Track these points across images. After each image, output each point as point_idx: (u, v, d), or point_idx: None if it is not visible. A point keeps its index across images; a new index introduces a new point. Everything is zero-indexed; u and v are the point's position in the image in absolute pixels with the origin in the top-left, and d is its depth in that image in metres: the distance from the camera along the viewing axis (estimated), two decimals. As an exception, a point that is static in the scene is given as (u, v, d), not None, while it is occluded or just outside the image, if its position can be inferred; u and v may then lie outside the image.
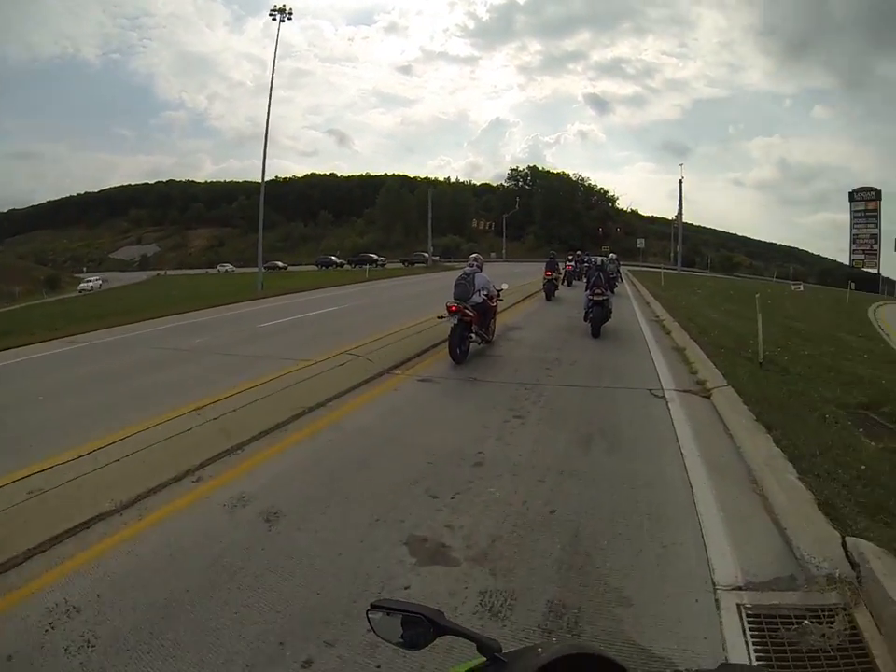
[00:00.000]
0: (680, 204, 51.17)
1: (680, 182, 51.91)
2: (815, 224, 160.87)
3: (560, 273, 22.53)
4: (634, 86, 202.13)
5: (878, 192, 71.62)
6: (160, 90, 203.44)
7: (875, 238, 69.97)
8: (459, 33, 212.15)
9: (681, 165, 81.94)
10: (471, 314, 9.02)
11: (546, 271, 20.69)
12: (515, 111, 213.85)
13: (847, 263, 75.10)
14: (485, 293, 9.69)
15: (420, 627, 1.13)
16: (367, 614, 1.18)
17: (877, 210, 70.72)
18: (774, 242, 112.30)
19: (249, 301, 23.05)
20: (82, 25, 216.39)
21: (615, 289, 21.92)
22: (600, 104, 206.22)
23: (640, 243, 58.49)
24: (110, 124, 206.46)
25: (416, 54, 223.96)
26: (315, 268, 65.97)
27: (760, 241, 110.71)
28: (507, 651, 1.08)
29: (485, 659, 1.07)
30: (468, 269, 9.66)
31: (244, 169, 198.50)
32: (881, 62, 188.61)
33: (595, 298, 12.21)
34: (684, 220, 57.24)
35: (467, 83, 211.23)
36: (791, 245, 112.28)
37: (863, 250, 70.51)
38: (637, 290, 25.16)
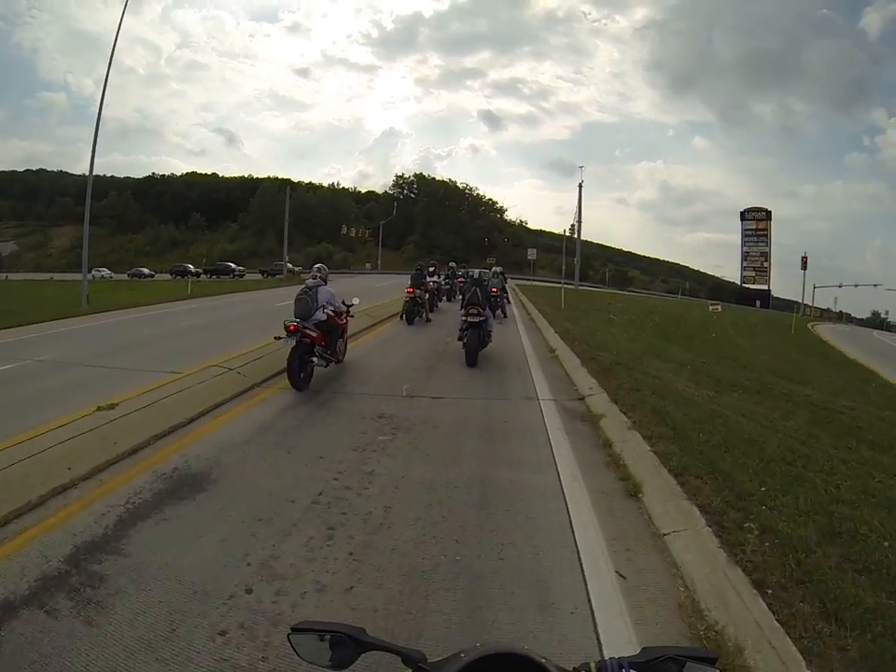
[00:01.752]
0: (579, 211, 45.75)
1: (580, 186, 46.47)
2: (692, 242, 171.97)
3: (429, 290, 16.75)
4: (528, 106, 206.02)
5: (769, 213, 73.14)
6: (44, 68, 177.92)
7: (766, 256, 71.46)
8: (362, 40, 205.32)
9: (581, 167, 78.76)
10: (313, 333, 7.90)
11: (409, 287, 15.32)
12: (409, 123, 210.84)
13: (722, 277, 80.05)
14: (331, 309, 8.58)
15: (343, 646, 1.12)
16: (288, 637, 1.13)
17: (767, 230, 71.98)
18: (657, 258, 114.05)
19: (61, 319, 17.53)
20: None
21: (500, 310, 15.91)
22: (494, 120, 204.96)
23: (531, 253, 52.60)
24: None
25: (316, 58, 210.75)
26: (170, 277, 57.08)
27: (644, 256, 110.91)
28: (431, 661, 1.09)
29: (410, 670, 1.10)
30: (310, 282, 8.53)
31: (128, 164, 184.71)
32: (754, 102, 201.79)
33: (469, 319, 10.33)
34: (570, 236, 51.89)
35: (364, 91, 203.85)
36: (672, 261, 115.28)
37: (754, 267, 71.79)
38: (529, 315, 19.30)
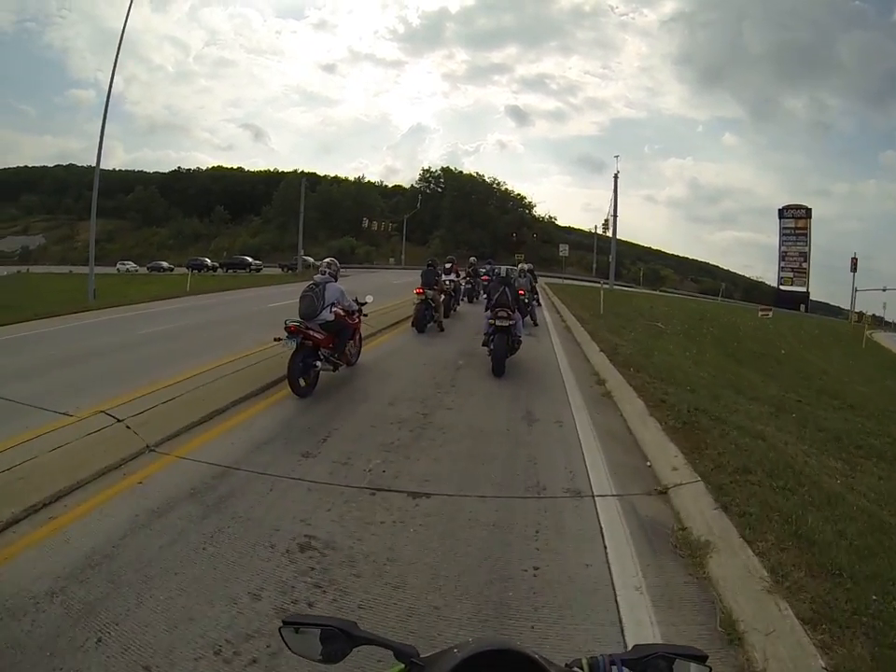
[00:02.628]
0: (615, 204, 42.07)
1: (616, 177, 42.48)
2: (721, 241, 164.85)
3: (444, 290, 13.93)
4: (556, 101, 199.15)
5: (808, 210, 67.92)
6: (74, 67, 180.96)
7: (805, 256, 66.29)
8: (388, 36, 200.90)
9: (617, 157, 74.03)
10: (318, 335, 7.25)
11: (419, 287, 12.86)
12: (437, 118, 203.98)
13: (755, 278, 75.22)
14: (340, 308, 7.78)
15: (335, 640, 1.11)
16: (279, 631, 1.13)
17: (807, 228, 66.83)
18: (686, 256, 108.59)
19: (62, 315, 16.45)
20: None
21: (529, 316, 13.14)
22: (521, 116, 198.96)
23: (563, 249, 49.44)
24: (17, 99, 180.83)
25: (343, 54, 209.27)
26: (186, 271, 55.03)
27: (672, 254, 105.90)
28: (424, 656, 1.08)
29: (403, 665, 1.09)
30: (317, 277, 7.79)
31: (157, 160, 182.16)
32: (786, 96, 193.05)
33: (497, 322, 8.96)
34: (601, 232, 48.50)
35: (391, 87, 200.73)
36: (701, 260, 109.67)
37: (792, 268, 66.70)
38: (563, 322, 16.21)
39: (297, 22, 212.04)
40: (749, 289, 74.55)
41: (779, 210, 69.14)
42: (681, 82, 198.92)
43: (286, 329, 7.03)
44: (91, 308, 18.77)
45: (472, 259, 21.92)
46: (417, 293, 12.50)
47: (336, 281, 7.91)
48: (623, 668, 1.09)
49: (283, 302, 17.06)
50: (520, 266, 14.73)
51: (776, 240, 68.69)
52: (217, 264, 58.16)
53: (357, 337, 8.80)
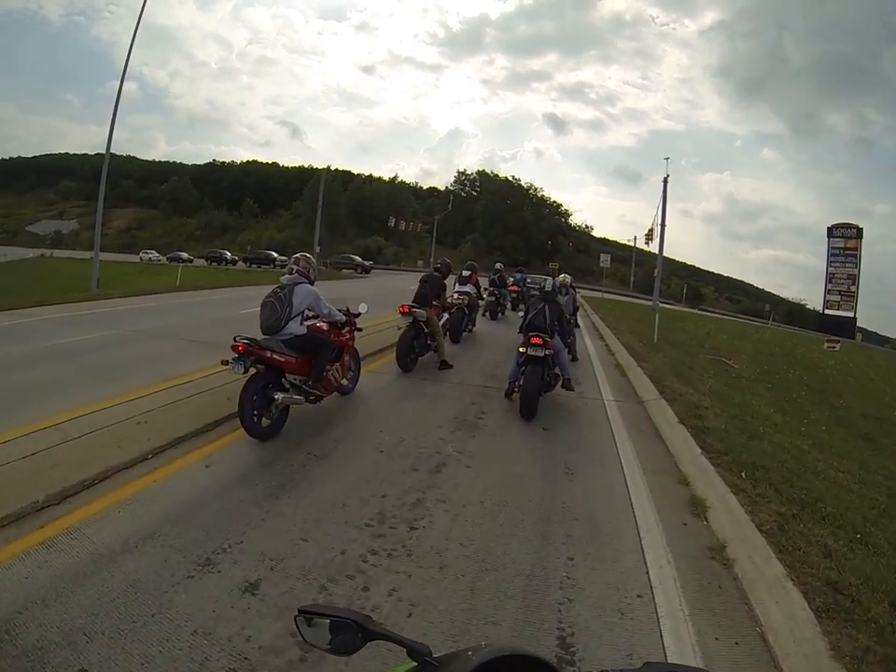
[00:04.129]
0: (663, 212, 37.87)
1: (665, 181, 38.07)
2: (756, 259, 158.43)
3: (446, 307, 10.44)
4: (594, 111, 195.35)
5: (860, 230, 61.89)
6: (121, 60, 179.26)
7: (853, 279, 60.44)
8: (429, 40, 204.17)
9: (667, 159, 69.67)
10: (280, 356, 5.56)
11: (405, 305, 9.01)
12: (475, 123, 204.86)
13: (791, 299, 69.93)
14: (318, 318, 6.35)
15: (349, 632, 1.10)
16: (294, 619, 1.13)
17: (857, 249, 60.93)
18: (720, 273, 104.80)
19: (56, 304, 15.51)
20: None
21: (569, 348, 9.38)
22: (559, 124, 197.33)
23: (604, 260, 45.18)
24: (65, 90, 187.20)
25: (383, 56, 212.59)
26: (206, 263, 53.38)
27: (707, 271, 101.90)
28: (437, 656, 1.06)
29: (416, 664, 1.07)
30: (285, 278, 5.90)
31: (198, 152, 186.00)
32: (827, 111, 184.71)
33: (529, 351, 6.80)
34: (644, 244, 44.51)
35: (430, 90, 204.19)
36: (735, 278, 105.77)
37: (839, 291, 60.77)
38: (611, 354, 12.41)
39: (338, 24, 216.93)
40: (790, 312, 69.08)
41: (828, 229, 63.46)
42: (721, 95, 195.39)
43: (233, 348, 5.30)
44: (85, 299, 17.32)
45: (498, 265, 18.24)
46: (402, 312, 8.82)
47: (312, 283, 6.01)
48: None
49: (252, 309, 14.72)
50: (561, 278, 11.30)
51: (812, 260, 63.99)
52: (237, 258, 55.57)
53: (347, 358, 6.75)
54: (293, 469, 4.79)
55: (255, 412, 5.33)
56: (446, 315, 10.12)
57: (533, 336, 6.83)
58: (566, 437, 6.10)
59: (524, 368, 6.85)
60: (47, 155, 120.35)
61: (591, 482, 4.94)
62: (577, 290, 14.06)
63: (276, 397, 5.44)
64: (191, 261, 56.64)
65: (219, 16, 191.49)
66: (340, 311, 6.66)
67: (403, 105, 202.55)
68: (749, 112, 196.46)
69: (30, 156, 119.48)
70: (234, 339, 5.33)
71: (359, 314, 6.95)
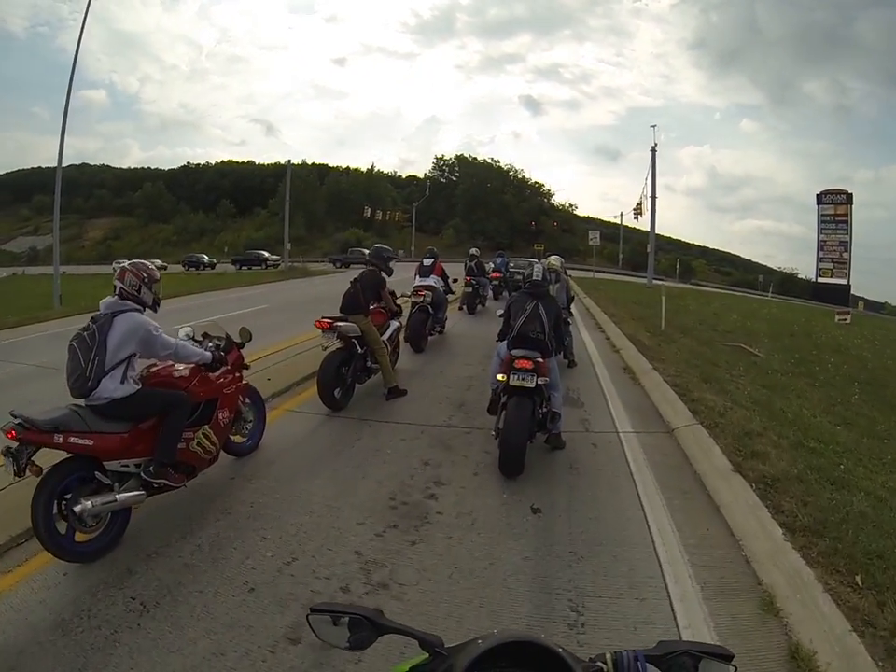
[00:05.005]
0: (653, 182, 35.12)
1: (653, 150, 34.69)
2: (741, 230, 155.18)
3: (394, 311, 7.50)
4: (570, 90, 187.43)
5: (849, 196, 58.95)
6: (88, 69, 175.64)
7: (845, 246, 57.70)
8: (400, 28, 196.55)
9: (654, 127, 65.78)
10: (82, 440, 3.36)
11: (324, 318, 6.35)
12: (451, 109, 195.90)
13: (781, 269, 66.98)
14: (157, 365, 4.14)
15: (361, 628, 1.10)
16: (307, 618, 1.11)
17: (847, 215, 58.22)
18: (707, 246, 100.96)
19: None
20: None
21: (566, 350, 7.23)
22: (535, 105, 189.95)
23: (593, 238, 41.79)
24: (33, 103, 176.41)
25: (355, 47, 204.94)
26: (183, 269, 50.02)
27: (693, 244, 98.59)
28: (448, 646, 1.06)
29: (427, 655, 1.07)
30: (105, 302, 3.76)
31: (173, 157, 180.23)
32: (805, 80, 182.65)
33: (515, 380, 4.59)
34: (633, 218, 42.01)
35: (404, 79, 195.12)
36: (722, 250, 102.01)
37: (832, 259, 57.93)
38: (614, 350, 9.97)
39: (307, 17, 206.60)
40: (783, 282, 66.41)
41: (818, 196, 60.35)
42: (697, 68, 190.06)
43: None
44: (44, 319, 15.82)
45: (473, 250, 15.56)
46: (320, 328, 6.18)
47: (147, 307, 3.84)
48: (648, 665, 1.05)
49: (193, 322, 12.41)
50: (550, 261, 8.84)
51: (797, 228, 61.33)
52: (215, 261, 52.31)
53: (224, 414, 4.25)
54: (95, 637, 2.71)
55: (46, 526, 3.22)
56: (395, 324, 7.46)
57: (520, 358, 4.63)
58: (567, 525, 3.76)
59: (506, 401, 4.64)
60: (18, 170, 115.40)
61: (618, 636, 2.65)
62: (568, 274, 11.59)
63: (78, 508, 3.29)
64: (165, 268, 53.80)
65: (186, 17, 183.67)
66: (213, 341, 4.41)
67: (378, 95, 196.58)
68: (726, 84, 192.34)
69: (1, 173, 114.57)
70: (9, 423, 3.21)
71: (242, 343, 4.64)
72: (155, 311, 3.89)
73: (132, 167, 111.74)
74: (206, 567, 3.31)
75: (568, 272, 9.77)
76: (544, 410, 4.73)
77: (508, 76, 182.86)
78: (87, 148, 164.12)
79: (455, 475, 4.48)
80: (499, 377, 4.65)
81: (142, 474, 3.61)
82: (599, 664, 1.06)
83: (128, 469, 3.60)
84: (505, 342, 4.99)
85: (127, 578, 3.19)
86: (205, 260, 52.04)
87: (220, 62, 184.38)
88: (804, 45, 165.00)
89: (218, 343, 4.42)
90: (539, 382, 4.50)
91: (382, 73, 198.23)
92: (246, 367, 4.68)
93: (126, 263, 3.90)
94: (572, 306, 9.86)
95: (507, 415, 4.49)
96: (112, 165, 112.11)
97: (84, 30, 23.70)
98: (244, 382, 4.70)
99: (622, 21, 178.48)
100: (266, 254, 50.84)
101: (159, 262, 55.82)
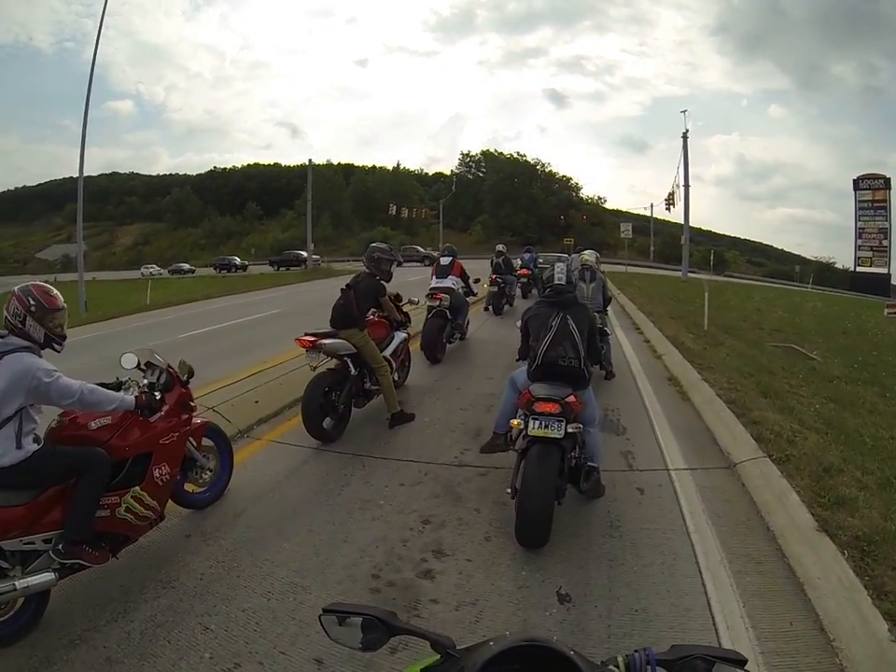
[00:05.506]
0: (685, 170, 33.01)
1: (685, 137, 32.32)
2: (772, 219, 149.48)
3: (396, 322, 6.33)
4: (594, 82, 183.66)
5: (887, 180, 55.43)
6: (115, 80, 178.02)
7: (885, 233, 54.38)
8: (420, 27, 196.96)
9: (684, 112, 56.99)
10: None
11: (307, 335, 5.36)
12: (475, 105, 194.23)
13: (816, 258, 62.51)
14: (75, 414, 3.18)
15: (374, 629, 1.10)
16: (319, 619, 1.14)
17: (886, 200, 54.78)
18: (737, 236, 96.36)
19: None
20: (35, 11, 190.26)
21: (603, 360, 5.88)
22: (560, 99, 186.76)
23: (626, 230, 40.09)
24: (63, 116, 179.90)
25: (377, 48, 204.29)
26: (214, 272, 49.79)
27: (724, 235, 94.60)
28: (460, 648, 1.06)
29: (439, 656, 1.07)
30: None
31: (201, 162, 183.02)
32: (833, 62, 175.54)
33: (536, 429, 3.40)
34: (665, 209, 40.01)
35: (427, 78, 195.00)
36: (754, 240, 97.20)
37: (871, 247, 54.83)
38: (656, 356, 8.68)
39: (327, 20, 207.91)
40: (820, 272, 63.07)
41: (854, 181, 57.27)
42: (722, 54, 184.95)
43: None
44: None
45: (499, 246, 14.28)
46: (303, 347, 5.24)
47: (45, 346, 2.99)
48: (658, 668, 1.03)
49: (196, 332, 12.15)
50: (584, 256, 7.70)
51: (830, 216, 58.26)
52: (247, 263, 51.70)
53: (162, 471, 3.32)
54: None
55: None
56: (401, 335, 6.38)
57: (542, 400, 3.46)
58: (605, 622, 2.72)
59: (522, 446, 3.55)
60: (51, 181, 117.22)
61: None
62: (603, 271, 10.03)
63: None
64: (193, 271, 54.26)
65: (208, 26, 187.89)
66: (156, 372, 3.50)
67: (402, 94, 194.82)
68: (752, 69, 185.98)
69: (34, 184, 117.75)
70: None
71: (186, 380, 3.64)
72: (55, 350, 3.00)
73: (160, 174, 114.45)
74: (131, 664, 2.59)
75: (603, 267, 8.50)
76: (576, 460, 3.64)
77: (531, 70, 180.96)
78: (116, 157, 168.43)
79: (461, 541, 3.47)
80: (514, 423, 3.58)
81: (50, 553, 2.83)
82: (611, 667, 1.06)
83: (34, 547, 2.83)
84: (524, 367, 3.92)
85: (45, 669, 2.58)
86: (237, 262, 51.55)
87: (243, 68, 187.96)
88: (829, 26, 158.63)
89: (154, 380, 3.49)
90: (569, 430, 3.42)
91: (404, 72, 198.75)
92: (192, 408, 3.68)
93: (18, 288, 2.98)
94: (609, 311, 8.64)
95: (526, 472, 3.37)
96: (141, 173, 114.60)
97: (100, 44, 23.74)
98: (199, 421, 3.81)
99: (642, 9, 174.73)
100: (304, 254, 48.56)
101: (186, 266, 56.84)
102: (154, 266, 58.73)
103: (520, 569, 3.15)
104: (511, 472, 3.54)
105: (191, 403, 3.61)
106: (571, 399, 3.49)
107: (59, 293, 3.02)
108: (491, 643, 0.99)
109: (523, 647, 0.96)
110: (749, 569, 3.10)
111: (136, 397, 3.21)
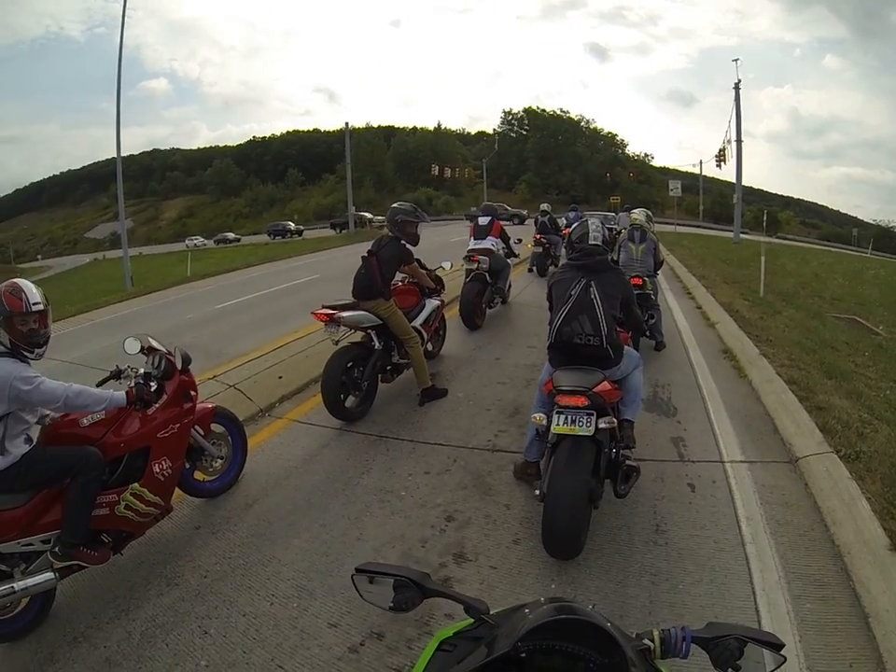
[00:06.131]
0: (738, 124, 30.33)
1: (736, 88, 29.79)
2: (827, 178, 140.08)
3: (431, 290, 5.96)
4: (637, 34, 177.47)
5: None
6: (148, 60, 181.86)
7: None
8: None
9: (736, 61, 49.85)
10: None
11: (324, 308, 5.06)
12: (515, 63, 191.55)
13: (874, 221, 60.00)
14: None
15: (407, 591, 1.10)
16: (352, 578, 1.14)
17: None
18: (790, 195, 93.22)
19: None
20: (63, 2, 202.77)
21: (651, 330, 5.63)
22: (602, 52, 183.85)
23: (675, 188, 37.67)
24: (101, 99, 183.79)
25: (410, 7, 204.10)
26: (269, 238, 49.36)
27: (776, 194, 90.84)
28: (493, 612, 1.07)
29: (473, 620, 1.08)
30: None
31: (241, 133, 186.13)
32: (893, 7, 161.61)
33: (563, 427, 2.94)
34: (716, 165, 37.45)
35: (463, 35, 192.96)
36: (807, 200, 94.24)
37: None
38: (724, 344, 6.90)
39: None
40: (879, 237, 58.72)
41: None
42: (772, 0, 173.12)
43: None
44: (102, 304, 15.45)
45: (544, 205, 13.70)
46: (322, 321, 4.91)
47: (26, 355, 2.76)
48: (693, 645, 1.04)
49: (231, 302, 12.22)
50: (635, 214, 7.14)
51: (890, 176, 53.95)
52: (302, 228, 50.69)
53: (162, 465, 3.10)
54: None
55: None
56: (433, 303, 5.92)
57: (565, 392, 2.98)
58: None
59: (554, 443, 3.00)
60: (94, 163, 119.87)
61: None
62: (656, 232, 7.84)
63: None
64: (239, 240, 54.66)
65: None
66: (156, 357, 3.26)
67: (438, 53, 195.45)
68: (805, 16, 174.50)
69: (78, 167, 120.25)
70: None
71: (183, 367, 3.32)
72: (27, 357, 2.76)
73: (200, 147, 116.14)
74: (129, 667, 2.50)
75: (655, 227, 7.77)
76: (614, 455, 3.13)
77: (571, 22, 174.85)
78: (157, 135, 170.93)
79: (487, 544, 3.12)
80: (536, 418, 3.10)
81: (48, 556, 2.76)
82: (647, 641, 1.05)
83: (32, 548, 2.76)
84: (549, 363, 3.47)
85: (48, 666, 2.56)
86: (291, 228, 50.42)
87: (275, 36, 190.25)
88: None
89: (152, 369, 3.22)
90: (601, 425, 2.92)
91: (440, 31, 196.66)
92: (194, 396, 3.38)
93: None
94: (660, 274, 7.87)
95: (553, 476, 2.88)
96: (182, 148, 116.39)
97: (129, 26, 23.83)
98: (208, 406, 3.58)
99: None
100: (369, 215, 47.11)
101: (231, 235, 57.32)
102: (199, 238, 59.64)
103: (549, 582, 2.79)
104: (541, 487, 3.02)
105: (193, 392, 3.34)
106: (604, 386, 3.00)
107: (35, 292, 2.73)
108: (526, 610, 0.99)
109: (559, 619, 0.95)
110: (809, 594, 2.66)
111: (127, 391, 2.96)
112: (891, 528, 2.87)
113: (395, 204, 5.45)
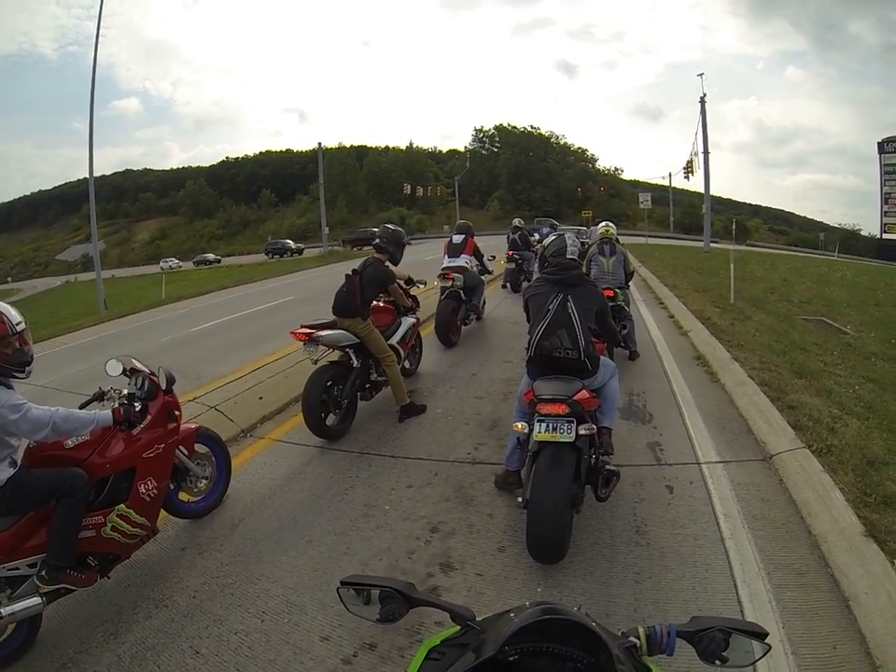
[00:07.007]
0: (704, 136, 30.95)
1: (702, 101, 30.20)
2: (793, 185, 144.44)
3: (406, 308, 6.01)
4: (605, 50, 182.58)
5: None
6: (122, 79, 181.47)
7: None
8: (425, 2, 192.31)
9: (701, 75, 53.43)
10: None
11: (303, 327, 5.10)
12: (486, 80, 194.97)
13: (840, 225, 61.65)
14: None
15: (393, 601, 1.10)
16: (337, 591, 1.14)
17: None
18: (758, 204, 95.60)
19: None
20: (36, 19, 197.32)
21: (625, 341, 6.03)
22: (571, 69, 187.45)
23: (644, 200, 38.29)
24: (73, 119, 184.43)
25: (381, 26, 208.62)
26: (267, 257, 48.45)
27: (744, 203, 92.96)
28: (480, 619, 1.08)
29: (459, 628, 1.08)
30: None
31: (214, 154, 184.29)
32: (850, 20, 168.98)
33: (545, 435, 3.02)
34: (684, 177, 38.29)
35: (435, 53, 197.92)
36: (774, 207, 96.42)
37: None
38: (698, 354, 6.91)
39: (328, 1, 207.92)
40: (845, 240, 59.58)
41: (879, 144, 53.26)
42: (735, 16, 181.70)
43: None
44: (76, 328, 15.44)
45: (517, 221, 13.74)
46: (298, 339, 4.95)
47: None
48: (679, 640, 1.05)
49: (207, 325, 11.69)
50: (602, 227, 7.21)
51: (853, 181, 55.52)
52: (302, 246, 49.34)
53: (148, 486, 3.12)
54: None
55: None
56: (409, 321, 5.97)
57: (546, 401, 3.07)
58: None
59: (535, 451, 3.07)
60: (66, 183, 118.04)
61: None
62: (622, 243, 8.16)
63: None
64: (219, 261, 53.96)
65: (209, 18, 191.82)
66: (138, 379, 3.24)
67: (410, 72, 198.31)
68: (767, 30, 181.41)
69: (50, 187, 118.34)
70: None
71: (167, 388, 3.32)
72: (14, 379, 2.74)
73: (173, 168, 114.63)
74: None
75: (621, 239, 7.95)
76: (594, 461, 3.23)
77: (539, 41, 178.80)
78: (129, 155, 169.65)
79: (472, 552, 3.18)
80: (517, 427, 3.20)
81: (34, 580, 2.71)
82: (632, 638, 1.06)
83: (18, 573, 2.70)
84: (526, 384, 3.52)
85: None
86: (291, 246, 49.37)
87: (248, 56, 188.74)
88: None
89: (136, 389, 3.23)
90: (581, 432, 3.02)
91: (411, 50, 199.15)
92: (178, 416, 3.40)
93: None
94: (631, 285, 8.09)
95: (535, 482, 2.95)
96: (154, 168, 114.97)
97: (103, 45, 23.78)
98: (191, 426, 3.58)
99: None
100: (374, 229, 47.16)
101: (212, 256, 56.53)
102: (173, 259, 58.86)
103: (535, 586, 2.85)
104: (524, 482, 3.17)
105: (177, 412, 3.35)
106: (583, 395, 3.11)
107: (14, 312, 2.72)
108: (511, 614, 1.00)
109: (544, 620, 0.96)
110: (789, 583, 2.77)
111: (113, 410, 2.96)
112: (865, 515, 2.99)
113: (392, 227, 5.65)
